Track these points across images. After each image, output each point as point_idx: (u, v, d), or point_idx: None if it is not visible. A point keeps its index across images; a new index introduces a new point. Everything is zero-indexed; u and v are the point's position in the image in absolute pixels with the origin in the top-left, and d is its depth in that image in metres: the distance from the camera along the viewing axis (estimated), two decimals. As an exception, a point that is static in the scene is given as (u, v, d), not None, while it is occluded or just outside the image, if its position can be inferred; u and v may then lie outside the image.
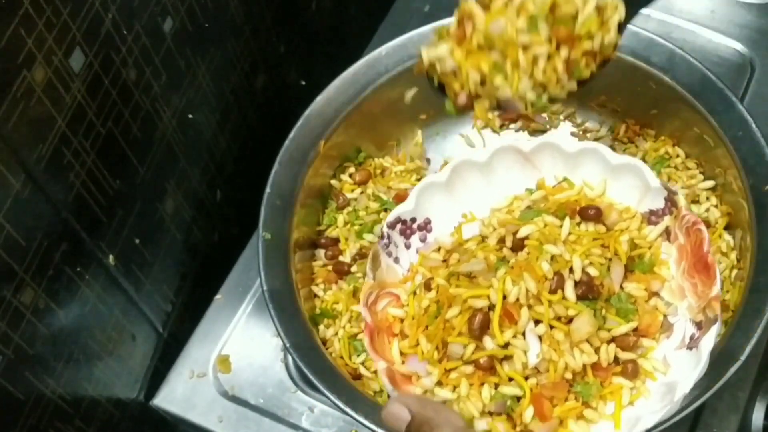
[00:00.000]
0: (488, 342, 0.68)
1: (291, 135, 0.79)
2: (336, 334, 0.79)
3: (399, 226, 0.77)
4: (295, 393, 0.82)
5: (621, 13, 0.63)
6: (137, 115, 0.74)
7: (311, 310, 0.79)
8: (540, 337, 0.68)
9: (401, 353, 0.71)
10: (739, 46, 0.96)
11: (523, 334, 0.68)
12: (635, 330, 0.70)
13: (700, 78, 0.77)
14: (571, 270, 0.70)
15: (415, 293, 0.74)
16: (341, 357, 0.78)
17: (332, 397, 0.69)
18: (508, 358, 0.68)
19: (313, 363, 0.72)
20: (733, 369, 0.66)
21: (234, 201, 0.95)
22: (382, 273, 0.75)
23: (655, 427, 0.65)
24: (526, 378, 0.68)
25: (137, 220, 0.78)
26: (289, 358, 0.83)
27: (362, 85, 0.81)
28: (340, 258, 0.82)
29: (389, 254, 0.76)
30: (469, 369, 0.68)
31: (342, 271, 0.81)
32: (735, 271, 0.75)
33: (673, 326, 0.71)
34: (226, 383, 0.83)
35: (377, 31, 1.00)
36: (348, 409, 0.69)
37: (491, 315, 0.68)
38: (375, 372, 0.77)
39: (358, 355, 0.77)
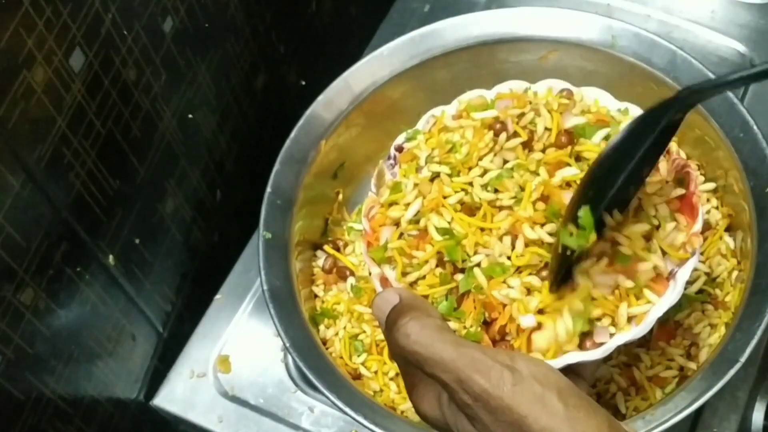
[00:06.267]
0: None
1: (291, 135, 0.79)
2: (336, 334, 0.78)
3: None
4: (295, 393, 0.82)
5: None
6: (137, 115, 0.74)
7: (311, 310, 0.79)
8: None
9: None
10: (739, 46, 0.96)
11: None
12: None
13: (701, 79, 0.76)
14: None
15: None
16: (341, 357, 0.78)
17: (332, 397, 0.69)
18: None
19: (313, 363, 0.72)
20: (733, 370, 0.66)
21: (234, 201, 0.94)
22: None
23: (624, 345, 0.62)
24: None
25: (137, 220, 0.78)
26: (289, 358, 0.83)
27: (362, 85, 0.81)
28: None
29: (393, 175, 0.75)
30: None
31: (343, 274, 0.81)
32: (736, 273, 0.75)
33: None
34: (226, 383, 0.83)
35: (377, 31, 1.00)
36: (348, 409, 0.69)
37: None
38: (375, 372, 0.77)
39: (358, 355, 0.77)
